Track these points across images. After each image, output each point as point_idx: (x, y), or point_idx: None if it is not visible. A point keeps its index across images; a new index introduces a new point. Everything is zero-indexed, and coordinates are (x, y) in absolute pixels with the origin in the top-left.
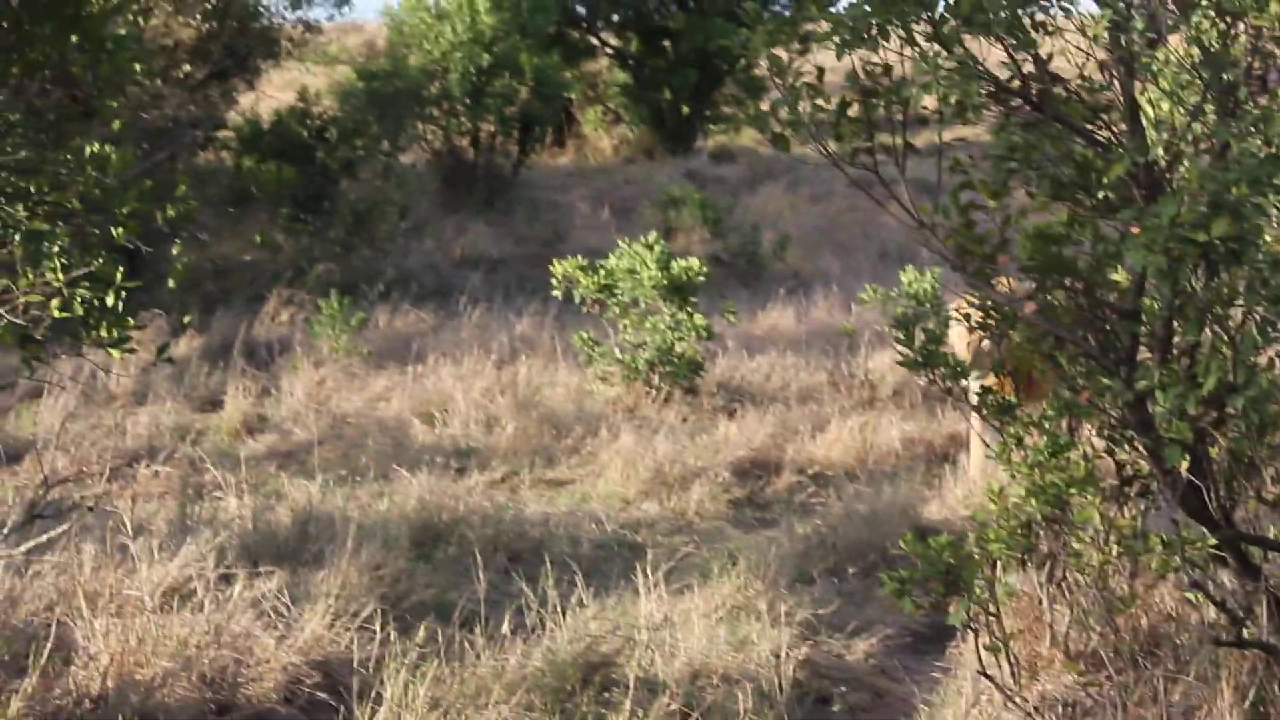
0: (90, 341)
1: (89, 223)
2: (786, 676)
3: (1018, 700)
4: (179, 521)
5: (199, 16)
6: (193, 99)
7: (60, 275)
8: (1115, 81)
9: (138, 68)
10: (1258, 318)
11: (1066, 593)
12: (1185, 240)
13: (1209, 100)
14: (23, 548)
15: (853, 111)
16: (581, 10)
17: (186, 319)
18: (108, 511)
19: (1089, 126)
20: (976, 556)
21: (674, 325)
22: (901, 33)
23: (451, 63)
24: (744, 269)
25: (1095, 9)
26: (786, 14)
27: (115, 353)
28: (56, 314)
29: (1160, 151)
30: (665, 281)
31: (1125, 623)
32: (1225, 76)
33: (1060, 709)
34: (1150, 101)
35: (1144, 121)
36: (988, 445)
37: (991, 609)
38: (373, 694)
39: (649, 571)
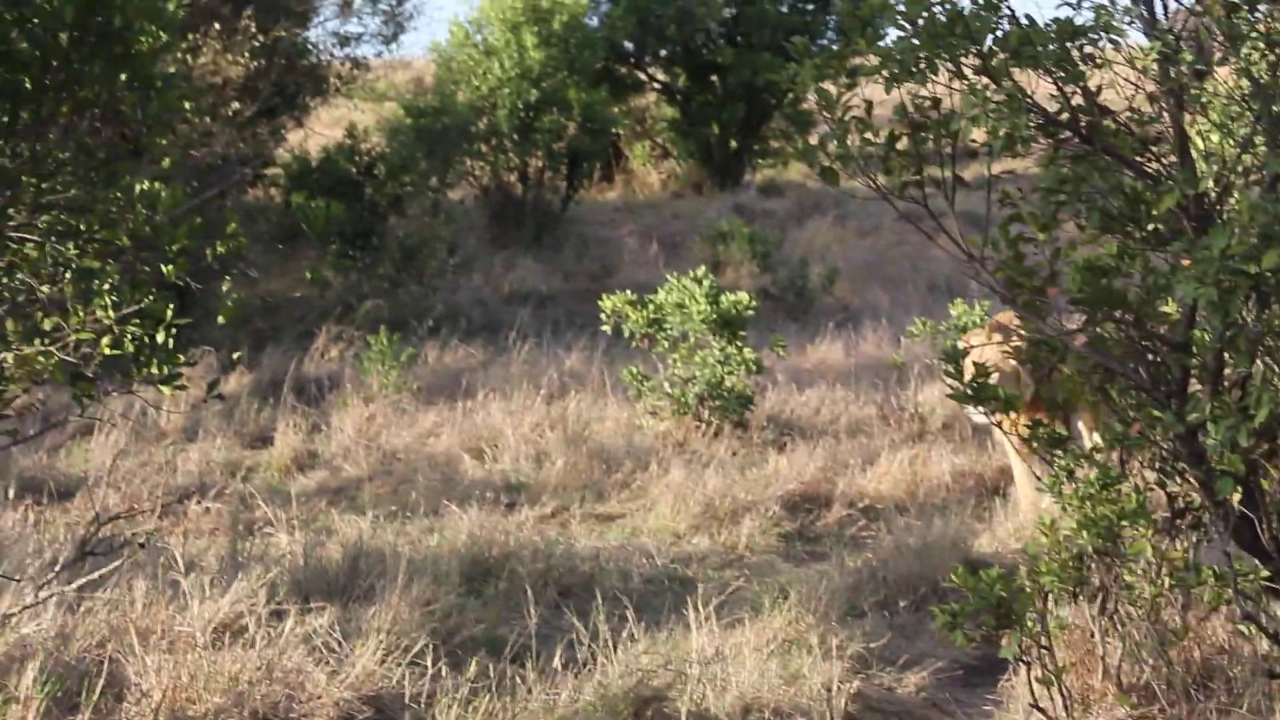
0: (141, 378)
1: (139, 260)
2: (838, 710)
3: None
4: (230, 558)
5: (247, 54)
6: (241, 136)
7: (111, 313)
8: (1165, 113)
9: (187, 105)
10: None
11: (1119, 625)
12: (1236, 272)
13: (1259, 132)
14: (75, 584)
15: (901, 145)
16: (629, 46)
17: (236, 355)
18: (159, 548)
19: (1138, 159)
20: (1028, 589)
21: (723, 359)
22: (950, 66)
23: (499, 99)
24: (793, 303)
25: (1144, 41)
26: (834, 48)
27: (166, 389)
28: (107, 351)
29: (1210, 183)
30: (714, 316)
31: (1178, 655)
32: (1275, 108)
33: None
34: (1200, 133)
35: (1194, 153)
36: (1038, 478)
37: (1043, 642)
38: None
39: (700, 605)
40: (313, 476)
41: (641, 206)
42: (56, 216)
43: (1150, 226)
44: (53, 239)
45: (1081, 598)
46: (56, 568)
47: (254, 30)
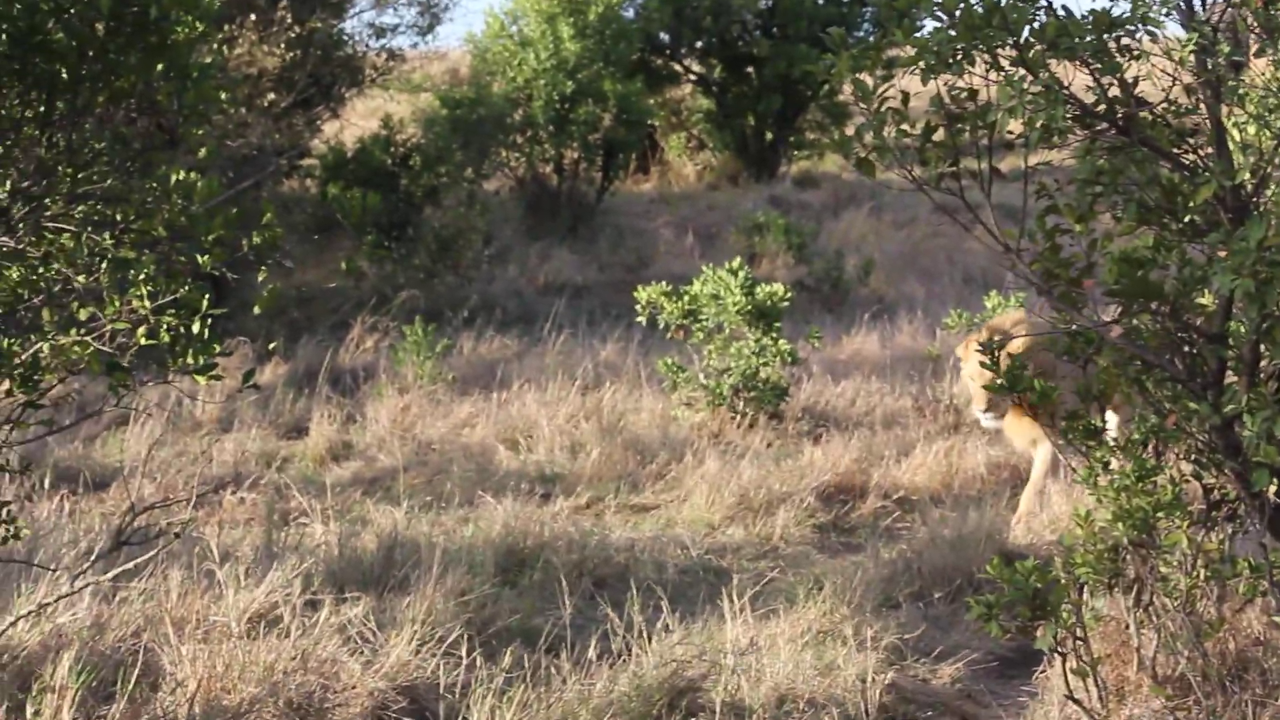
0: (176, 368)
1: (175, 250)
2: (873, 701)
3: None
4: (265, 548)
5: (283, 45)
6: (277, 127)
7: (147, 303)
8: (1201, 105)
9: (223, 96)
10: None
11: (1154, 617)
12: (1273, 263)
13: None
14: (110, 574)
15: (938, 136)
16: (665, 37)
17: (272, 346)
18: (194, 538)
19: (1175, 150)
20: (1063, 581)
21: (758, 351)
22: (987, 57)
23: (535, 90)
24: (828, 294)
25: (1181, 33)
26: (871, 39)
27: (201, 379)
28: (143, 341)
29: (1247, 175)
30: (750, 307)
31: (1213, 647)
32: None
33: None
34: (1237, 125)
35: (1230, 145)
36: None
37: (1079, 633)
38: (459, 719)
39: (734, 596)
40: (347, 467)
41: (677, 198)
42: (92, 207)
43: (1187, 218)
44: (89, 229)
45: (1117, 589)
46: (92, 557)
47: (290, 21)
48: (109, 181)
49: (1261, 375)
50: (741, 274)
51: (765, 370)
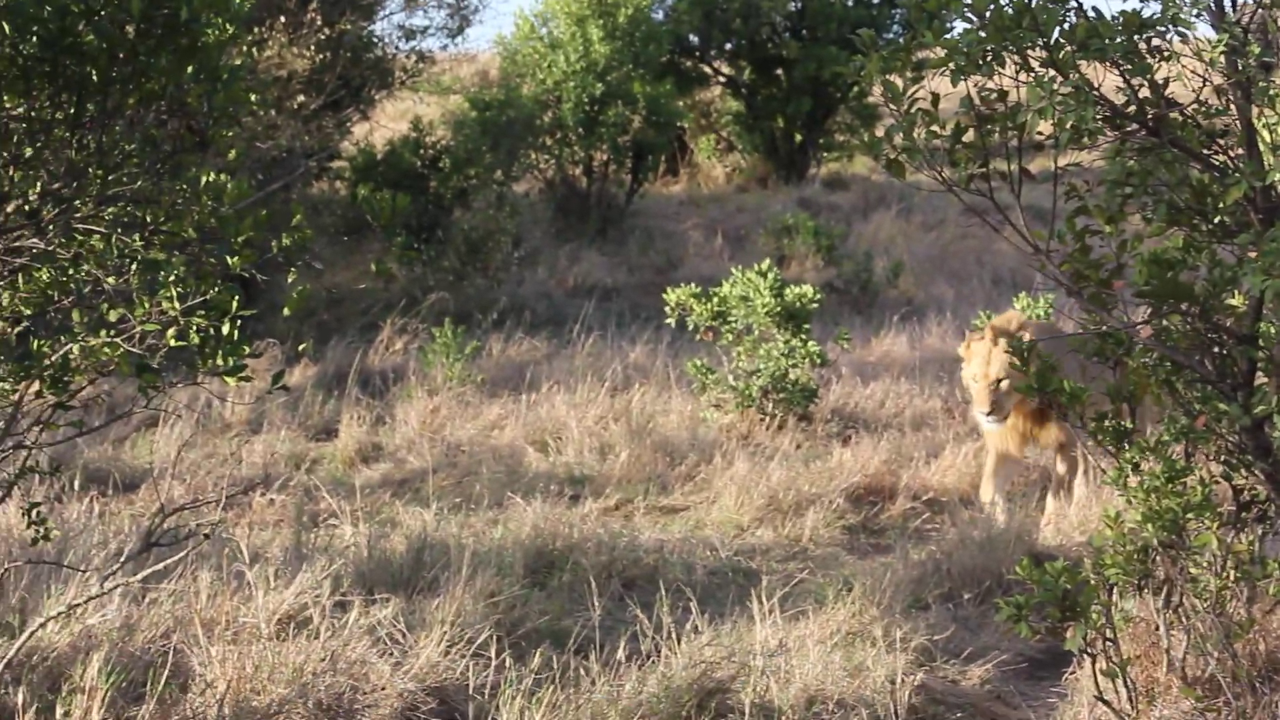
0: (206, 370)
1: (205, 252)
2: (902, 702)
3: None
4: (294, 549)
5: (313, 48)
6: (307, 129)
7: (176, 304)
8: (1232, 106)
9: (253, 98)
10: None
11: (1184, 618)
12: None
13: None
14: (140, 575)
15: (967, 138)
16: (694, 39)
17: (301, 348)
18: (224, 539)
19: (1205, 151)
20: (1093, 582)
21: (788, 352)
22: (1017, 58)
23: (564, 92)
24: (857, 296)
25: (1211, 34)
26: (900, 41)
27: (231, 381)
28: (173, 343)
29: (1277, 176)
30: (779, 309)
31: (1243, 648)
32: None
33: None
34: (1267, 126)
35: (1261, 146)
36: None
37: (1108, 634)
38: None
39: (764, 598)
40: (377, 468)
41: (706, 200)
42: (122, 208)
43: (1217, 219)
44: (119, 231)
45: (1146, 590)
46: (122, 559)
47: (320, 23)
48: (139, 183)
49: None
50: (771, 276)
51: (794, 372)
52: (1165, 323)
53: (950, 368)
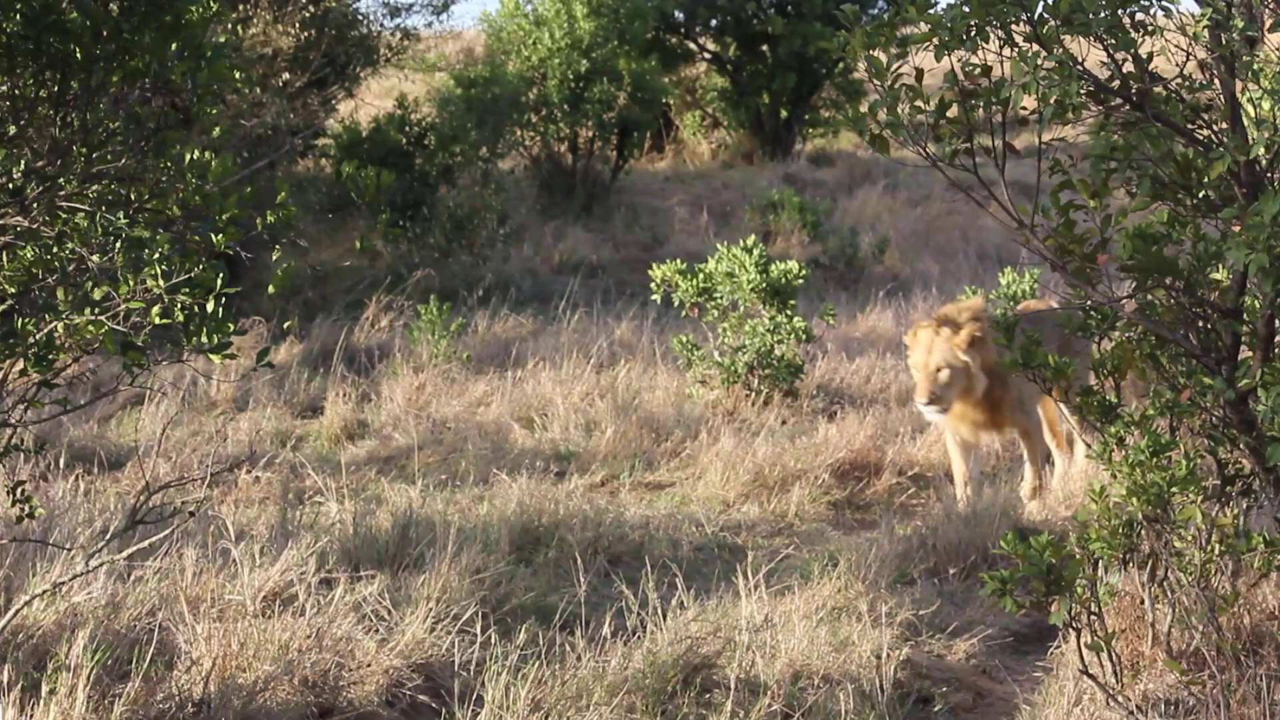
0: (191, 348)
1: (189, 229)
2: (887, 677)
3: (1120, 699)
4: (280, 526)
5: (298, 25)
6: (292, 107)
7: (161, 282)
8: (1216, 80)
9: (237, 76)
10: None
11: (1168, 592)
12: None
13: None
14: (125, 553)
15: (952, 113)
16: (679, 16)
17: (287, 325)
18: (209, 517)
19: (1190, 126)
20: (1078, 556)
21: (773, 328)
22: (1000, 33)
23: (550, 69)
24: (843, 272)
25: (1195, 8)
26: (885, 16)
27: (216, 358)
28: (157, 321)
29: (1261, 150)
30: (764, 285)
31: (1227, 622)
32: None
33: (1162, 708)
34: (1251, 100)
35: (1245, 120)
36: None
37: (1093, 608)
38: (474, 696)
39: (749, 573)
40: (362, 446)
41: (692, 176)
42: (107, 186)
43: (1201, 193)
44: (103, 208)
45: (1131, 564)
46: (107, 536)
47: (304, 1)
48: (123, 161)
49: (1276, 350)
50: (756, 252)
51: (780, 348)
52: (1150, 297)
53: None
